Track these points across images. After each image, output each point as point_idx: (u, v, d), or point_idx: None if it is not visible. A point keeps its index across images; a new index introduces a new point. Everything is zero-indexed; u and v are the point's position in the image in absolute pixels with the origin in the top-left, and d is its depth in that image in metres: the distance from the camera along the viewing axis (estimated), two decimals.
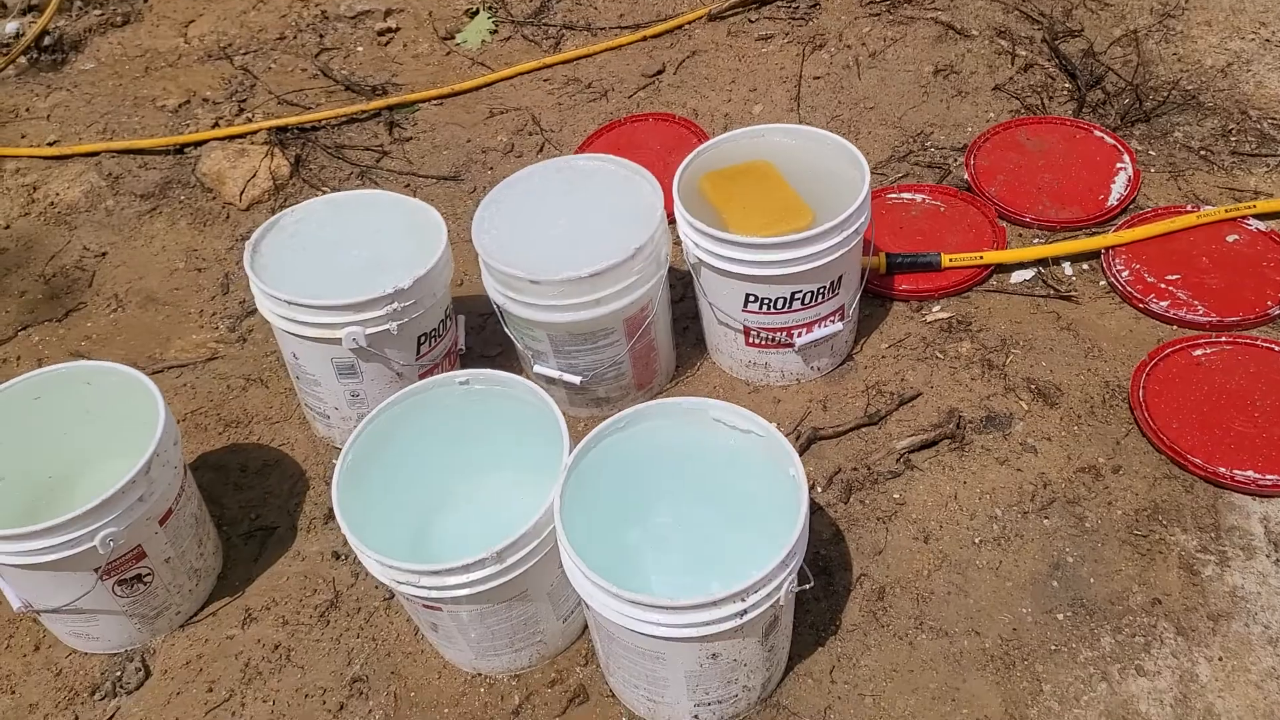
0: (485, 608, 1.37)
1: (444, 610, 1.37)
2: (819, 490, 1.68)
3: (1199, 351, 1.74)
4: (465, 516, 1.53)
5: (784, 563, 1.23)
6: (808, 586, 1.33)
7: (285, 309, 1.60)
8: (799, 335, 1.74)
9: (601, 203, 1.72)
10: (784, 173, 1.79)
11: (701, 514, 1.44)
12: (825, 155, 1.77)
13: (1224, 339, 1.75)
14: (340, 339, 1.60)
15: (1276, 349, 1.72)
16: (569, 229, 1.68)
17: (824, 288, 1.69)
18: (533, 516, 1.30)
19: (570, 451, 1.35)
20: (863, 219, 1.66)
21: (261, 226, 1.74)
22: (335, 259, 1.69)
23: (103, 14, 3.11)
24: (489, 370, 1.50)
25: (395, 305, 1.60)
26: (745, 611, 1.22)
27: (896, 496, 1.65)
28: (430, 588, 1.30)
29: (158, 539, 1.52)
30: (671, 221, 1.76)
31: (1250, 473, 1.56)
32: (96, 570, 1.47)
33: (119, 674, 1.58)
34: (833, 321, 1.75)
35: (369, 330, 1.60)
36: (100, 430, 1.59)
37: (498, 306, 1.71)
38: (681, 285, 1.99)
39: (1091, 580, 1.51)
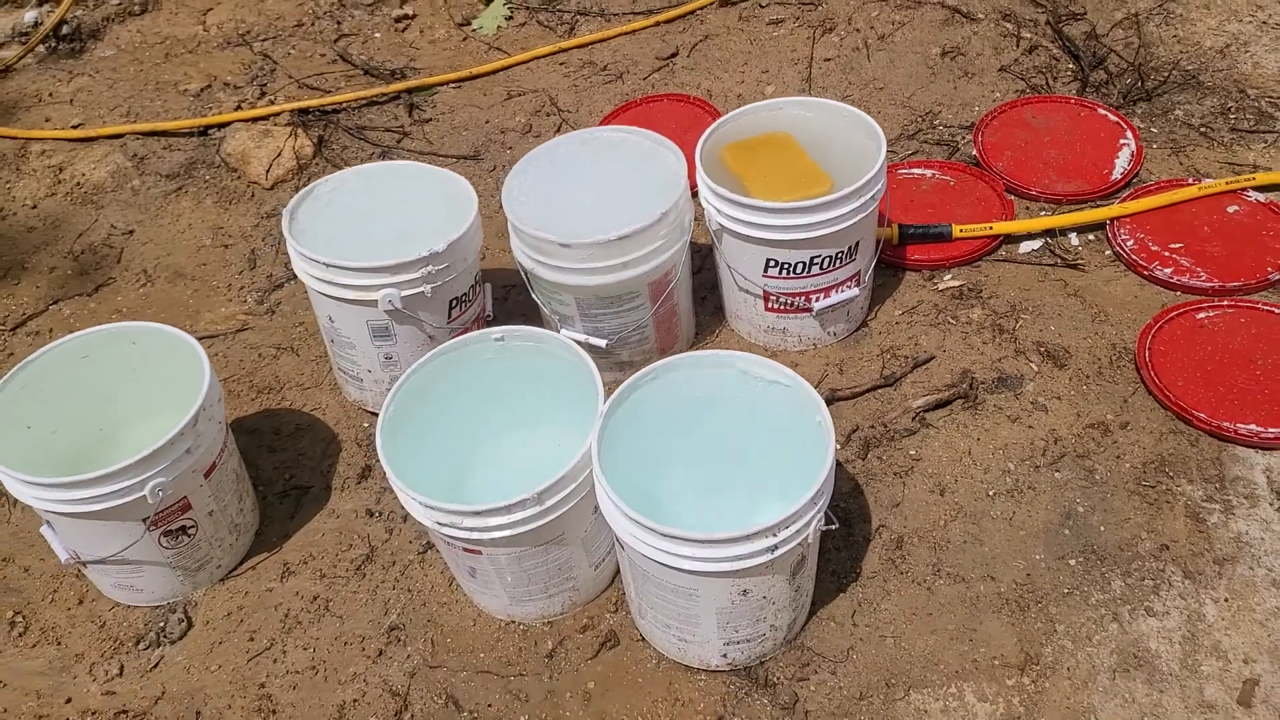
0: (523, 551, 1.42)
1: (483, 554, 1.43)
2: (838, 447, 1.73)
3: (1202, 315, 1.80)
4: (502, 467, 1.58)
5: (813, 500, 1.29)
6: (833, 528, 1.39)
7: (323, 271, 1.66)
8: (817, 300, 1.80)
9: (627, 172, 1.78)
10: (802, 144, 1.86)
11: (732, 459, 1.50)
12: (841, 127, 1.83)
13: (1226, 303, 1.82)
14: (376, 301, 1.66)
15: (1277, 311, 1.79)
16: (596, 196, 1.74)
17: (842, 253, 1.75)
18: (571, 459, 1.36)
19: (605, 400, 1.41)
20: (879, 186, 1.72)
21: (297, 195, 1.79)
22: (369, 226, 1.75)
23: (120, 3, 3.16)
24: (524, 327, 1.56)
25: (430, 268, 1.65)
26: (776, 547, 1.28)
27: (913, 452, 1.72)
28: (472, 529, 1.36)
29: (202, 491, 1.58)
30: (694, 193, 1.82)
31: (1253, 426, 1.63)
32: (145, 520, 1.52)
33: (162, 625, 1.64)
34: (850, 287, 1.82)
35: (404, 292, 1.66)
36: (144, 388, 1.65)
37: (525, 271, 1.77)
38: (699, 257, 2.05)
39: (1101, 528, 1.58)
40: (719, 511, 1.52)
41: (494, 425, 1.59)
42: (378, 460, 1.80)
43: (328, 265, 1.64)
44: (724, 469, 1.51)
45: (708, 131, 1.82)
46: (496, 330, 1.56)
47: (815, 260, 1.75)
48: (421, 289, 1.67)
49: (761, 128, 1.88)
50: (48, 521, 1.55)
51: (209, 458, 1.57)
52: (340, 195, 1.81)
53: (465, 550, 1.44)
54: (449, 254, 1.67)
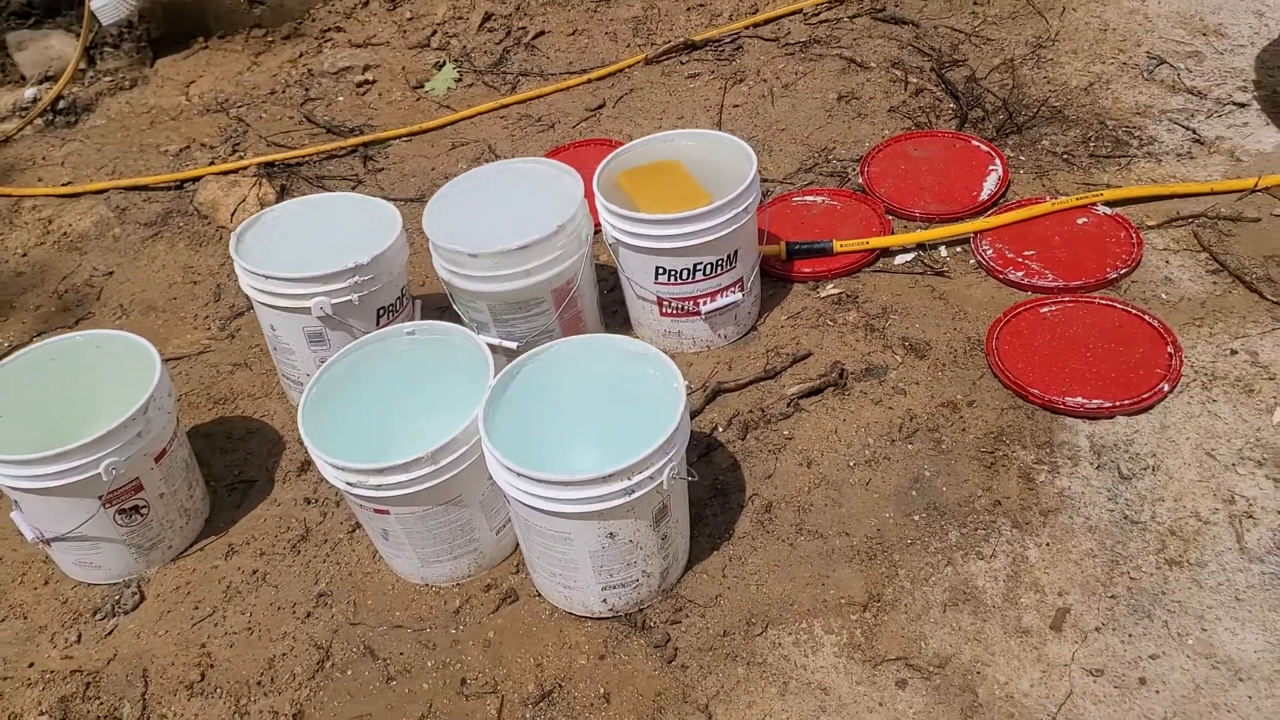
0: (425, 511, 1.63)
1: (391, 514, 1.64)
2: (720, 430, 1.95)
3: (1045, 309, 2.03)
4: (415, 445, 1.79)
5: (662, 449, 1.50)
6: (691, 479, 1.60)
7: (263, 283, 1.90)
8: (704, 304, 2.03)
9: (532, 195, 2.03)
10: (690, 169, 2.11)
11: (605, 424, 1.71)
12: (723, 152, 2.09)
13: (1067, 299, 2.05)
14: (310, 308, 1.90)
15: (1111, 305, 2.01)
16: (504, 215, 1.99)
17: (722, 260, 1.99)
18: (463, 424, 1.58)
19: (494, 377, 1.63)
20: (751, 199, 1.97)
21: (245, 222, 2.05)
22: (307, 245, 1.99)
23: (113, 80, 3.48)
24: (431, 321, 1.80)
25: (356, 279, 1.90)
26: (632, 489, 1.49)
27: (786, 433, 1.93)
28: (378, 486, 1.58)
29: (153, 474, 1.79)
30: (597, 225, 2.06)
31: (1079, 399, 1.84)
32: (100, 498, 1.74)
33: (117, 598, 1.84)
34: (733, 292, 2.05)
35: (334, 300, 1.90)
36: (105, 387, 1.87)
37: (445, 283, 2.01)
38: (612, 278, 2.29)
39: (944, 489, 1.78)
40: (598, 466, 1.73)
41: (407, 410, 1.81)
42: None
43: (267, 277, 1.89)
44: (598, 433, 1.72)
45: (605, 160, 2.08)
46: (408, 325, 1.80)
47: (699, 267, 1.98)
48: (350, 297, 1.91)
49: (654, 156, 2.13)
50: (16, 504, 1.77)
51: (159, 444, 1.79)
52: (283, 222, 2.06)
53: (376, 511, 1.65)
54: (373, 266, 1.91)
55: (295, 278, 1.88)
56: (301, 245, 2.00)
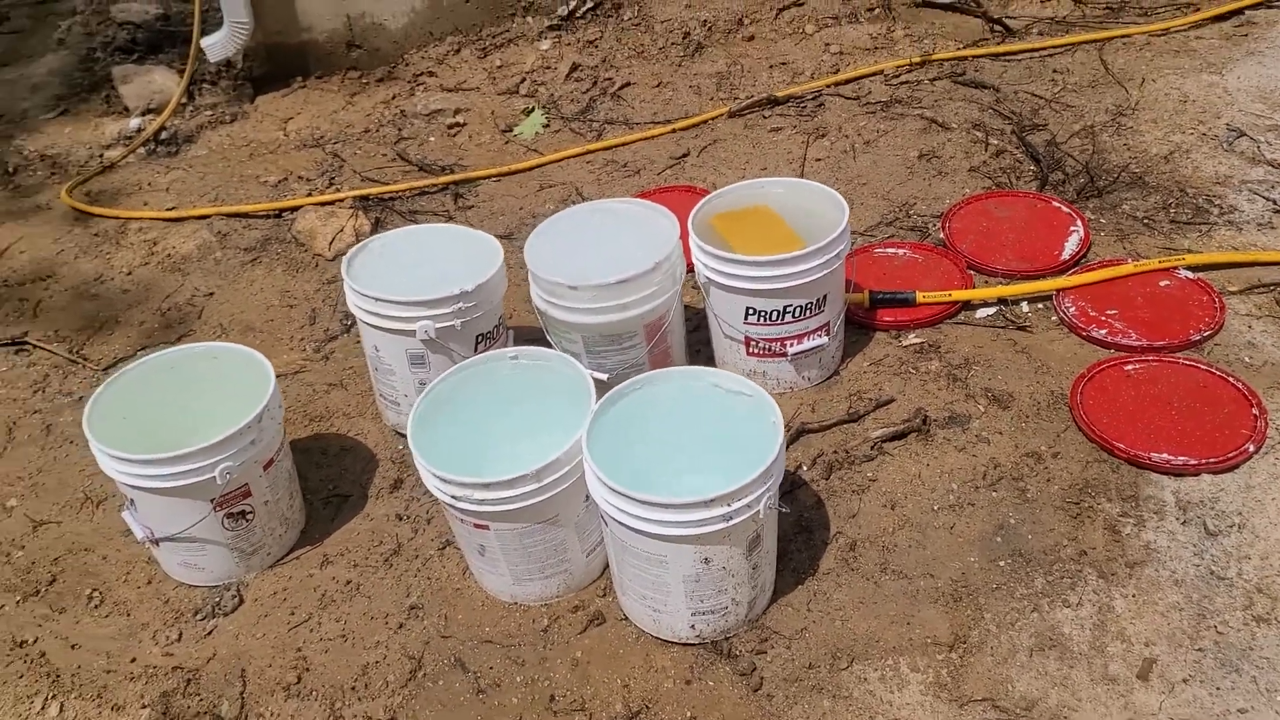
0: (524, 528, 1.69)
1: (491, 529, 1.70)
2: (804, 469, 2.00)
3: (1129, 367, 2.06)
4: (511, 465, 1.86)
5: (761, 478, 1.55)
6: (784, 510, 1.64)
7: (372, 305, 1.99)
8: (791, 346, 2.09)
9: (628, 233, 2.11)
10: (781, 215, 2.18)
11: (702, 452, 1.76)
12: (814, 201, 2.16)
13: (1151, 358, 2.08)
14: (415, 331, 1.98)
15: (1194, 366, 2.04)
16: (601, 251, 2.06)
17: (811, 303, 2.05)
18: (566, 445, 1.64)
19: (594, 402, 1.70)
20: (843, 246, 2.03)
21: (354, 248, 2.14)
22: (413, 272, 2.08)
23: (213, 114, 3.64)
24: (533, 348, 1.87)
25: (460, 305, 1.98)
26: (730, 516, 1.54)
27: (869, 475, 1.97)
28: (481, 501, 1.64)
29: (261, 482, 1.87)
30: (690, 267, 2.13)
31: (1165, 455, 1.87)
32: (212, 501, 1.82)
33: (218, 600, 1.91)
34: (820, 335, 2.10)
35: (438, 325, 1.98)
36: (220, 395, 1.96)
37: (541, 313, 2.08)
38: (696, 318, 2.35)
39: (1029, 537, 1.81)
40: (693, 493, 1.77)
41: (507, 431, 1.88)
42: (408, 474, 2.11)
43: (376, 299, 1.98)
44: (695, 460, 1.77)
45: (700, 203, 2.16)
46: (512, 350, 1.87)
47: (788, 309, 2.04)
48: (453, 322, 1.99)
49: (746, 202, 2.21)
50: (130, 502, 1.85)
51: (268, 452, 1.87)
52: (390, 248, 2.16)
53: (475, 526, 1.71)
54: (477, 294, 1.99)
55: (403, 301, 1.97)
56: (407, 272, 2.09)
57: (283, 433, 1.93)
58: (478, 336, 2.06)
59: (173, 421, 1.96)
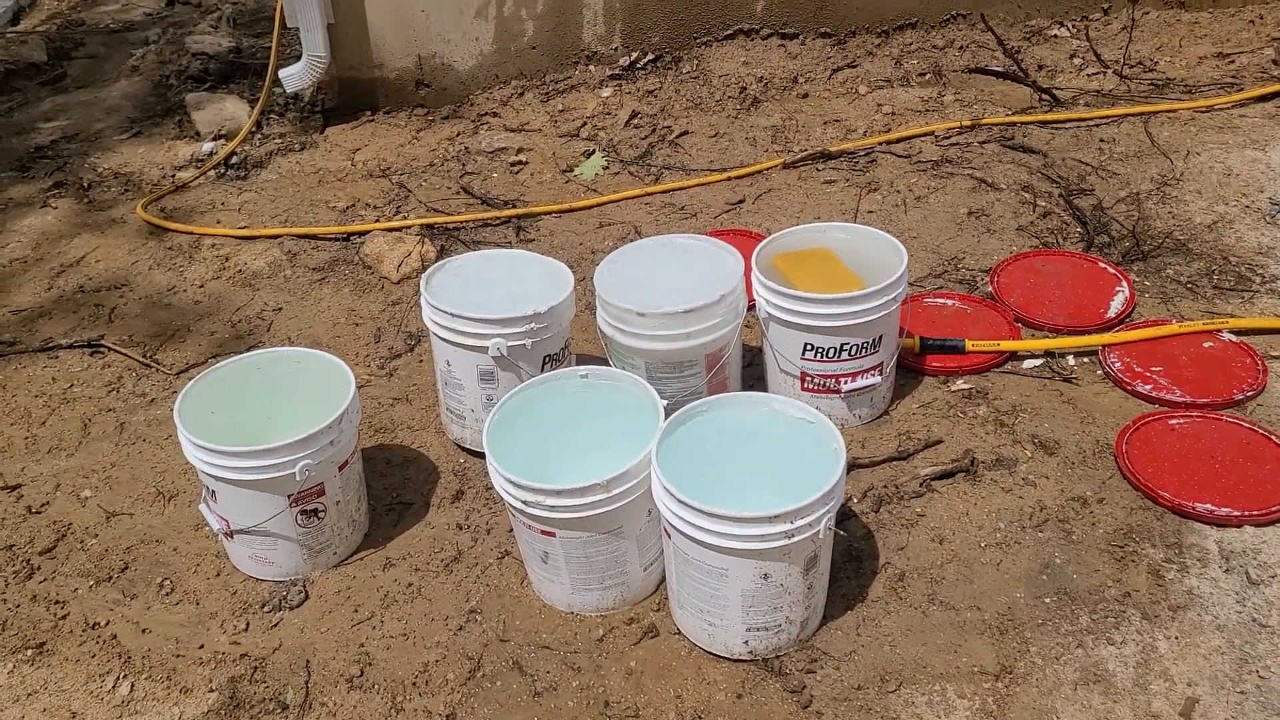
0: (589, 537, 1.76)
1: (557, 537, 1.77)
2: (855, 501, 2.06)
3: (1174, 421, 2.13)
4: (577, 477, 1.93)
5: (823, 499, 1.62)
6: (841, 534, 1.71)
7: (449, 320, 2.08)
8: (845, 383, 2.17)
9: (694, 266, 2.20)
10: (841, 258, 2.27)
11: (764, 473, 1.83)
12: (873, 246, 2.25)
13: (1195, 414, 2.14)
14: (487, 348, 2.07)
15: (1238, 424, 2.10)
16: (667, 282, 2.15)
17: (867, 343, 2.13)
18: (635, 458, 1.71)
19: (662, 420, 1.78)
20: (900, 290, 2.11)
21: (433, 266, 2.25)
22: (487, 292, 2.18)
23: (283, 141, 3.79)
24: (603, 367, 1.96)
25: (532, 325, 2.07)
26: (793, 533, 1.60)
27: (918, 510, 2.03)
28: (552, 507, 1.71)
29: (334, 482, 1.95)
30: (750, 304, 2.22)
31: (1209, 505, 1.92)
32: (290, 496, 1.90)
33: (284, 594, 1.98)
34: (873, 375, 2.18)
35: (510, 343, 2.07)
36: (303, 396, 2.05)
37: (606, 338, 2.17)
38: (749, 354, 2.43)
39: (1075, 576, 1.86)
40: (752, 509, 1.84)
41: (574, 444, 1.96)
42: (469, 487, 2.19)
43: (452, 315, 2.07)
44: (758, 480, 1.84)
45: (763, 243, 2.26)
46: (582, 369, 1.96)
47: (845, 347, 2.12)
48: (524, 341, 2.08)
49: (807, 244, 2.30)
50: (210, 493, 1.94)
51: (344, 454, 1.96)
52: (466, 269, 2.26)
53: (542, 533, 1.78)
54: (548, 316, 2.09)
55: (478, 318, 2.06)
56: (482, 292, 2.19)
57: (357, 437, 2.01)
58: (545, 357, 2.15)
59: (257, 419, 2.05)
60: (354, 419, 1.97)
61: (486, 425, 1.83)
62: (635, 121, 3.60)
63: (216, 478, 1.88)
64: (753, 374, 2.40)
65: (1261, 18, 3.89)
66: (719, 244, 2.26)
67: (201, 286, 2.99)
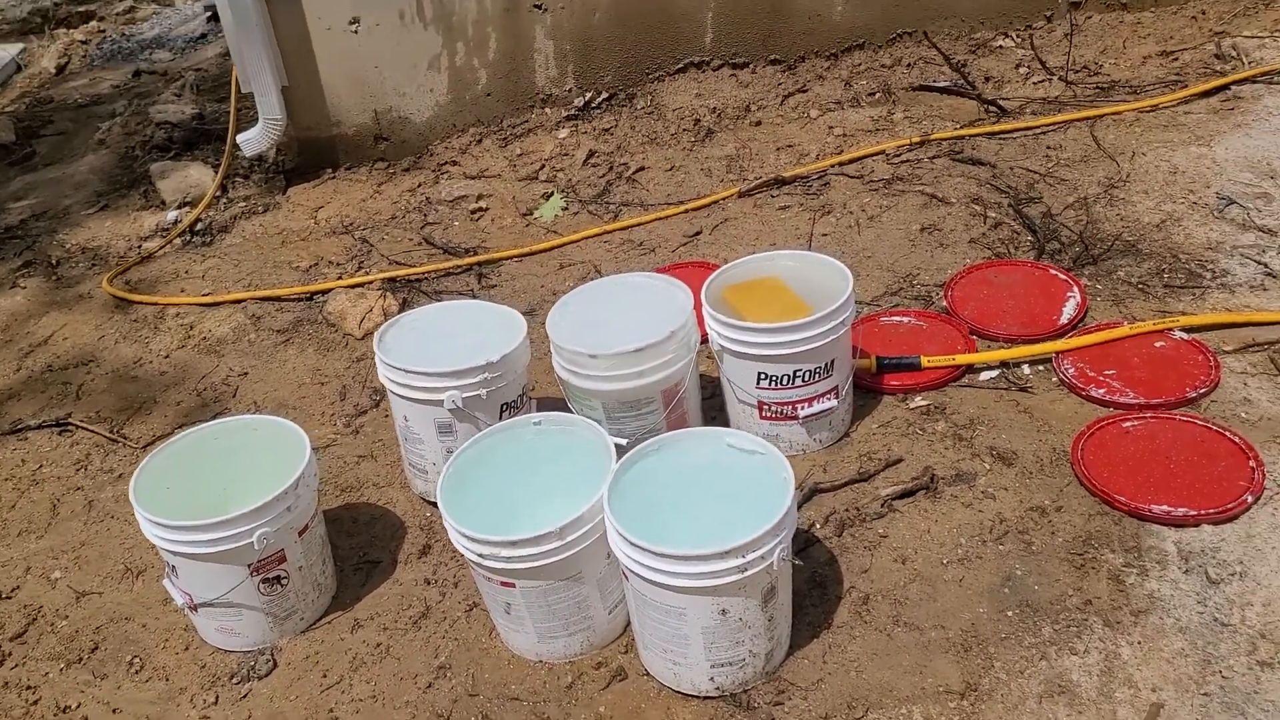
0: (549, 585, 1.77)
1: (517, 587, 1.77)
2: (818, 527, 2.07)
3: (1128, 424, 2.14)
4: (536, 525, 1.94)
5: (773, 531, 1.63)
6: (798, 564, 1.71)
7: (402, 376, 2.10)
8: (802, 409, 2.18)
9: (646, 304, 2.22)
10: (789, 285, 2.29)
11: (719, 509, 1.84)
12: (821, 272, 2.27)
13: (1149, 415, 2.15)
14: (442, 400, 2.08)
15: (1191, 421, 2.12)
16: (620, 321, 2.17)
17: (820, 368, 2.15)
18: (588, 503, 1.72)
19: (614, 463, 1.79)
20: (847, 313, 2.13)
21: (386, 323, 2.27)
22: (442, 345, 2.19)
23: (247, 204, 3.82)
24: (555, 413, 1.97)
25: (486, 375, 2.09)
26: (745, 567, 1.61)
27: (881, 531, 2.04)
28: (508, 558, 1.72)
29: (295, 548, 1.96)
30: (704, 337, 2.24)
31: (1166, 506, 1.93)
32: (249, 566, 1.90)
33: (253, 664, 1.98)
34: (829, 399, 2.19)
35: (465, 394, 2.09)
36: (260, 464, 2.06)
37: (563, 382, 2.18)
38: (711, 386, 2.45)
39: (1036, 587, 1.87)
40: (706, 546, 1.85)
41: (532, 492, 1.96)
42: (435, 540, 2.19)
43: (406, 371, 2.09)
44: (710, 516, 1.84)
45: (712, 276, 2.28)
46: (536, 415, 1.97)
47: (798, 373, 2.14)
48: (479, 392, 2.09)
49: (756, 274, 2.32)
50: (171, 569, 1.94)
51: (303, 519, 1.96)
52: (420, 323, 2.28)
53: (502, 584, 1.79)
54: (501, 364, 2.10)
55: (431, 372, 2.08)
56: (436, 345, 2.20)
57: (317, 500, 2.02)
58: (503, 405, 2.16)
59: (214, 490, 2.06)
60: (311, 483, 1.98)
61: (440, 480, 1.84)
62: (592, 160, 3.63)
63: (175, 553, 1.88)
64: (714, 405, 2.41)
65: (1204, 13, 3.94)
66: (669, 280, 2.28)
67: (167, 356, 3.00)
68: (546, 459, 1.97)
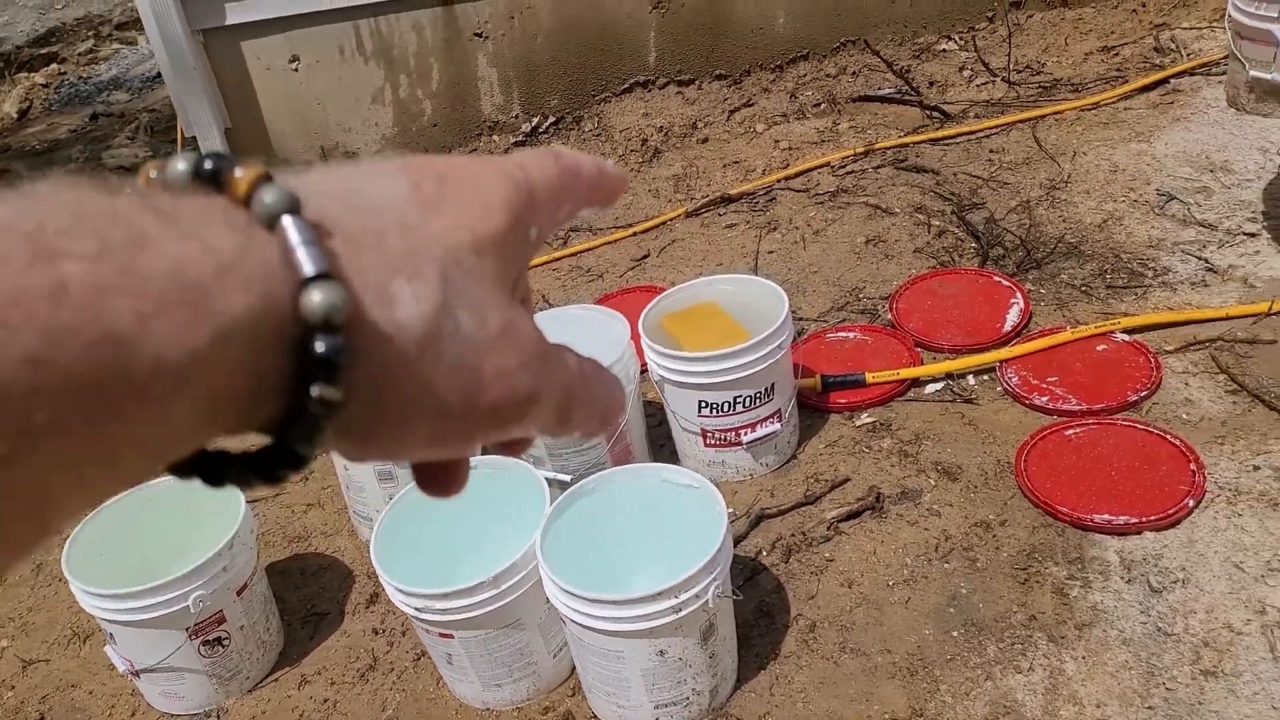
0: (488, 634, 1.75)
1: (456, 638, 1.75)
2: (765, 554, 2.05)
3: (1070, 431, 2.13)
4: (478, 571, 1.92)
5: (706, 568, 1.61)
6: (736, 598, 1.70)
7: None
8: (745, 434, 2.17)
9: (582, 339, 2.19)
10: (728, 310, 2.28)
11: (657, 549, 1.83)
12: (760, 295, 2.26)
13: (1091, 421, 2.15)
14: None
15: (1133, 426, 2.11)
16: None
17: (760, 393, 2.13)
18: (521, 550, 1.70)
19: (549, 506, 1.77)
20: (785, 335, 2.12)
21: None
22: None
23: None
24: (491, 456, 1.95)
25: None
26: (679, 607, 1.59)
27: (827, 555, 2.02)
28: (444, 610, 1.70)
29: (235, 608, 1.93)
30: (644, 364, 2.23)
31: (1107, 515, 1.92)
32: (187, 629, 1.88)
33: None
34: (773, 422, 2.18)
35: None
36: (196, 525, 2.03)
37: None
38: (660, 414, 2.43)
39: (981, 606, 1.86)
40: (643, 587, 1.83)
41: (471, 539, 1.94)
42: (383, 589, 2.16)
43: None
44: (649, 554, 1.83)
45: (649, 305, 2.26)
46: (470, 460, 1.95)
47: (739, 399, 2.13)
48: None
49: (694, 300, 2.31)
50: (111, 637, 1.91)
51: (241, 578, 1.94)
52: None
53: (441, 635, 1.76)
54: None
55: None
56: None
57: (256, 557, 1.99)
58: None
59: (150, 554, 2.03)
60: (248, 540, 1.95)
61: (374, 533, 1.82)
62: None
63: (111, 620, 1.85)
64: (664, 433, 2.40)
65: (1144, 5, 3.96)
66: (606, 312, 2.27)
67: None
68: (484, 503, 1.95)
